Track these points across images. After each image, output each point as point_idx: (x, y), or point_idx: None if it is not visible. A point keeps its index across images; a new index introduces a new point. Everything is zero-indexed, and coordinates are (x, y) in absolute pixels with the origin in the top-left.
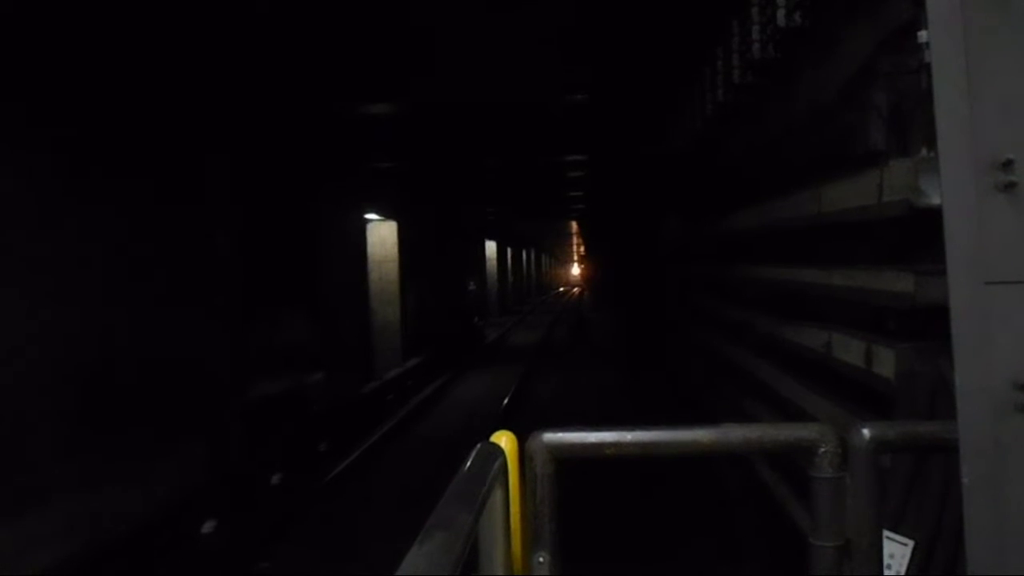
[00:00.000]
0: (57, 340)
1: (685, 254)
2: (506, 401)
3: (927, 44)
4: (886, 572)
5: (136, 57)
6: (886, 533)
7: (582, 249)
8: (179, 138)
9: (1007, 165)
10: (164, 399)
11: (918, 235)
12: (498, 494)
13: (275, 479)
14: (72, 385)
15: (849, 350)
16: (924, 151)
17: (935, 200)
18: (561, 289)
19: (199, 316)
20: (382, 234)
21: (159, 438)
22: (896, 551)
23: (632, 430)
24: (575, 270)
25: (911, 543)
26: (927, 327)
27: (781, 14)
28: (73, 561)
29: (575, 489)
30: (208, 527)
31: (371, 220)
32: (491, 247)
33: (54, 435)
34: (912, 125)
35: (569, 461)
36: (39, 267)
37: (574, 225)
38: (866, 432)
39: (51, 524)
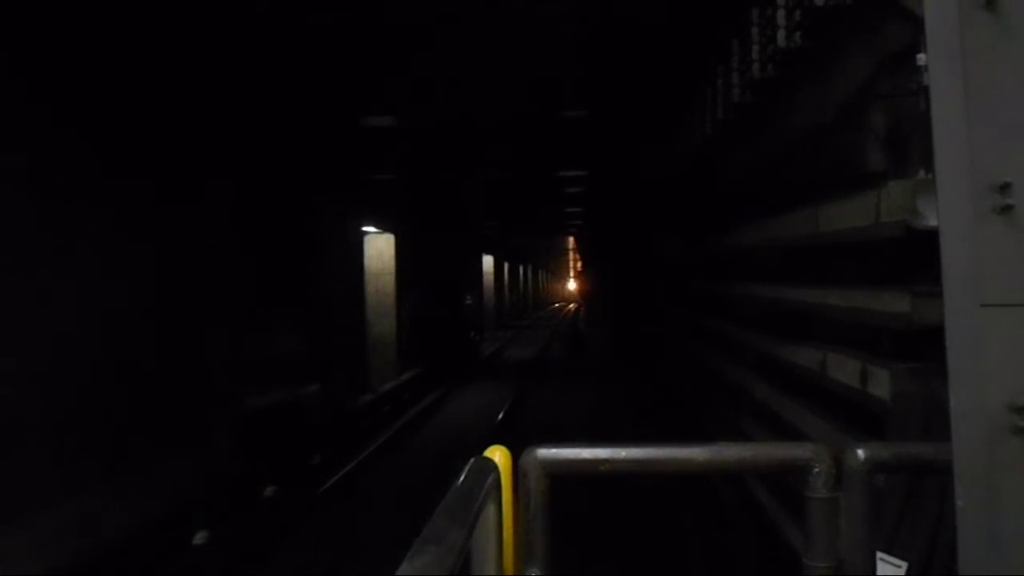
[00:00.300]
0: (51, 345)
1: (683, 271)
2: (501, 416)
3: (925, 67)
4: None
5: (142, 65)
6: (879, 554)
7: (579, 265)
8: (179, 151)
9: (1004, 188)
10: (158, 409)
11: (915, 256)
12: (491, 509)
13: (268, 491)
14: (66, 392)
15: (844, 370)
16: (922, 173)
17: (932, 222)
18: (558, 304)
19: (195, 326)
20: (379, 246)
21: (152, 447)
22: (889, 572)
23: (626, 447)
24: (572, 285)
25: (904, 564)
26: (923, 348)
27: (781, 35)
28: (60, 573)
29: (569, 495)
30: (200, 538)
31: (368, 232)
32: (488, 261)
33: (45, 441)
34: (910, 147)
35: (563, 477)
36: (34, 274)
37: (571, 240)
38: (860, 452)
39: (39, 534)
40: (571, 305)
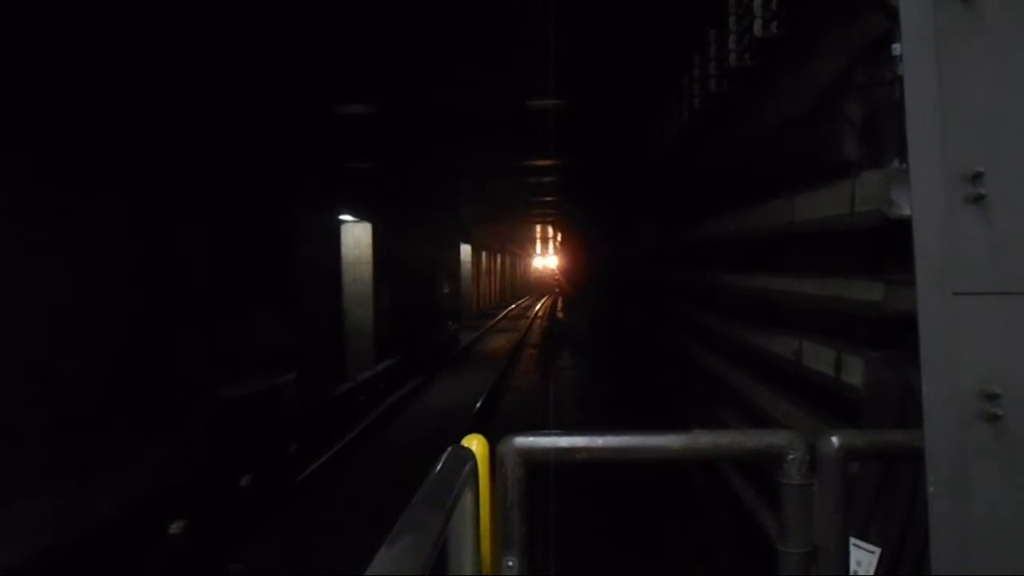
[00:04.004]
0: (23, 331)
1: (661, 260)
2: (479, 404)
3: (900, 57)
4: None
5: (113, 57)
6: (853, 540)
7: (559, 253)
8: (152, 134)
9: (976, 177)
10: (133, 397)
11: (889, 245)
12: (468, 498)
13: (244, 480)
14: (37, 378)
15: (819, 358)
16: (896, 162)
17: (906, 211)
18: (537, 293)
19: (171, 314)
20: (357, 235)
21: (127, 436)
22: (863, 558)
23: (603, 435)
24: (552, 273)
25: (878, 550)
26: (897, 336)
27: (758, 24)
28: (34, 562)
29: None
30: (176, 528)
31: (346, 221)
32: (466, 250)
33: (15, 430)
34: (885, 136)
35: (540, 465)
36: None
37: (551, 229)
38: (834, 440)
39: (10, 525)
40: (545, 299)
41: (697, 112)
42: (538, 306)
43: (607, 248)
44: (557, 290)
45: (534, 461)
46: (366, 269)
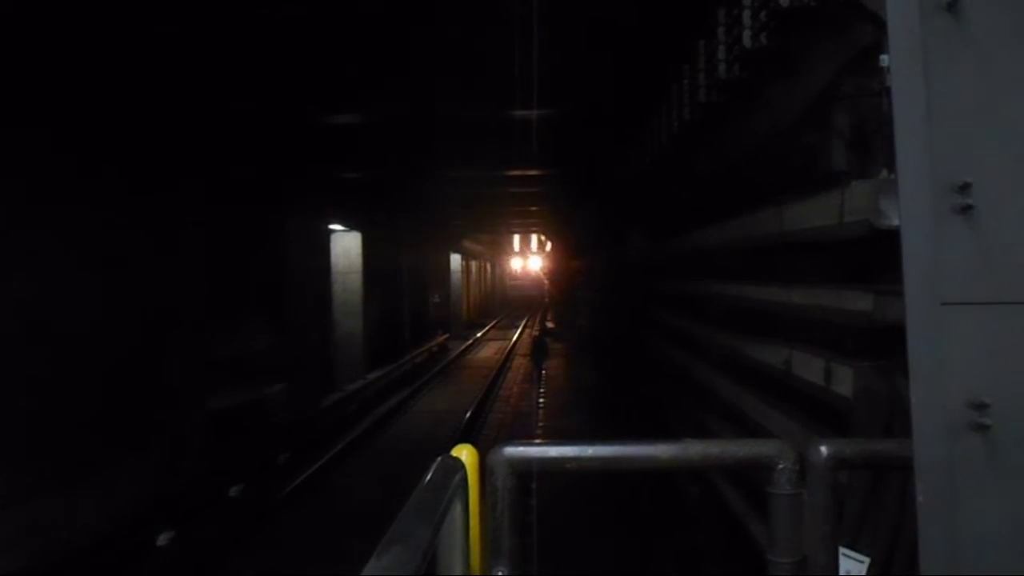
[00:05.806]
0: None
1: (652, 270)
2: (468, 414)
3: (888, 68)
4: None
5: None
6: (842, 549)
7: (548, 261)
8: (145, 141)
9: (964, 188)
10: (122, 409)
11: (878, 255)
12: (458, 508)
13: (233, 491)
14: (24, 390)
15: (809, 368)
16: (885, 173)
17: (895, 221)
18: (528, 303)
19: (159, 325)
20: (346, 245)
21: (116, 447)
22: (852, 567)
23: (593, 444)
24: (540, 279)
25: (867, 560)
26: (885, 346)
27: (747, 35)
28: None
29: None
30: (164, 539)
31: (335, 230)
32: (456, 260)
33: (16, 441)
34: (873, 147)
35: (530, 475)
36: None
37: (541, 237)
38: (824, 449)
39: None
40: (531, 313)
41: (687, 122)
42: (529, 315)
43: (598, 258)
44: (546, 300)
45: (524, 471)
46: (356, 279)
